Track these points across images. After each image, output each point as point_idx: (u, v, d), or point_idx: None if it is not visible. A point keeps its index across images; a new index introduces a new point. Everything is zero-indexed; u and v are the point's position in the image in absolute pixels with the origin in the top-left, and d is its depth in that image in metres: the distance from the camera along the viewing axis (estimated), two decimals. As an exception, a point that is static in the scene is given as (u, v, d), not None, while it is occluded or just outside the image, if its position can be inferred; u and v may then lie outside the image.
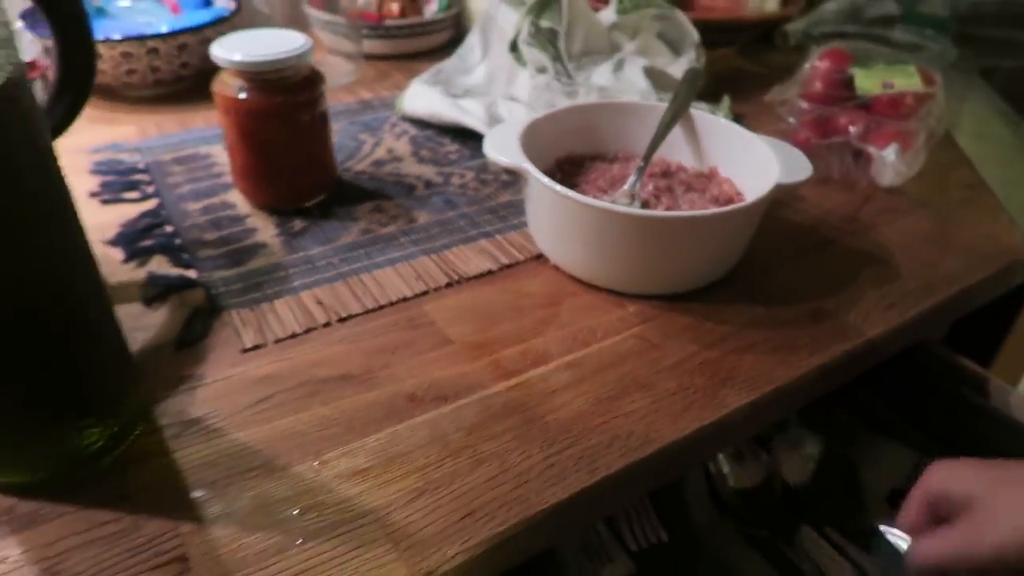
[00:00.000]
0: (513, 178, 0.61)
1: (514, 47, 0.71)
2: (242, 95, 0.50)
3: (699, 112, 0.56)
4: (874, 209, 0.58)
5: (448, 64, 0.77)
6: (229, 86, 0.51)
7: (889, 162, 0.59)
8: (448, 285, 0.48)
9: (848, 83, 0.63)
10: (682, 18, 0.75)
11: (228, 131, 0.52)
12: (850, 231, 0.56)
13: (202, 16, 0.74)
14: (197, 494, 0.33)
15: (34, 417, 0.31)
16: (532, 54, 0.70)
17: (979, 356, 0.59)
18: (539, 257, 0.51)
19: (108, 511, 0.33)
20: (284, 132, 0.52)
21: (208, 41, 0.71)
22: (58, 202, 0.30)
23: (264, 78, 0.50)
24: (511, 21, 0.74)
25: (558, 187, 0.45)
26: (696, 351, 0.43)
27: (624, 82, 0.69)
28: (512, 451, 0.36)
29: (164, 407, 0.38)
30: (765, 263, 0.51)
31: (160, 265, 0.49)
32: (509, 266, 0.50)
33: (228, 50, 0.49)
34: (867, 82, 0.62)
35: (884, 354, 0.47)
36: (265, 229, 0.53)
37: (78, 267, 0.31)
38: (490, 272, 0.49)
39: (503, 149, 0.48)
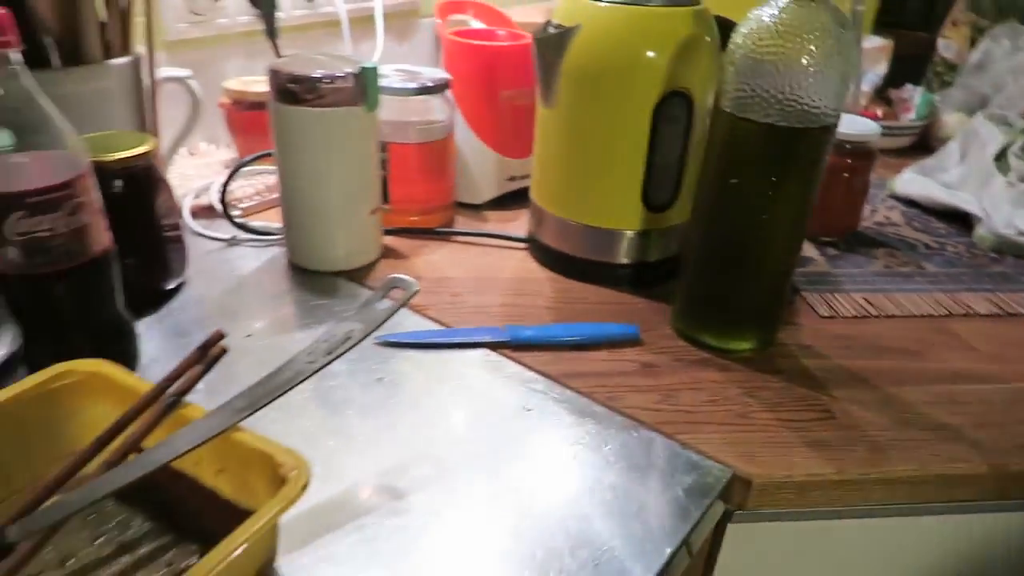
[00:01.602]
0: (1001, 256, 0.75)
1: (1000, 157, 0.86)
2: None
3: None
4: None
5: (928, 162, 0.93)
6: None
7: None
8: (964, 315, 0.63)
9: None
10: None
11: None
12: None
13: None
14: (826, 383, 0.53)
15: (773, 316, 0.55)
16: (1019, 165, 0.83)
17: None
18: (1039, 315, 0.64)
19: (769, 377, 0.54)
20: (846, 183, 0.73)
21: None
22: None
23: (849, 145, 0.71)
24: (994, 136, 0.88)
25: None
26: None
27: (1105, 201, 0.79)
28: (1045, 423, 0.51)
29: (784, 335, 0.59)
30: None
31: (742, 255, 0.71)
32: (1013, 315, 0.64)
33: (823, 123, 0.71)
34: None
35: None
36: (807, 250, 0.73)
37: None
38: (998, 315, 0.64)
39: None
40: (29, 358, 0.47)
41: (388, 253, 0.68)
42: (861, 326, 0.61)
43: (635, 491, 0.43)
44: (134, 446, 0.37)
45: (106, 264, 0.46)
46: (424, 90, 0.67)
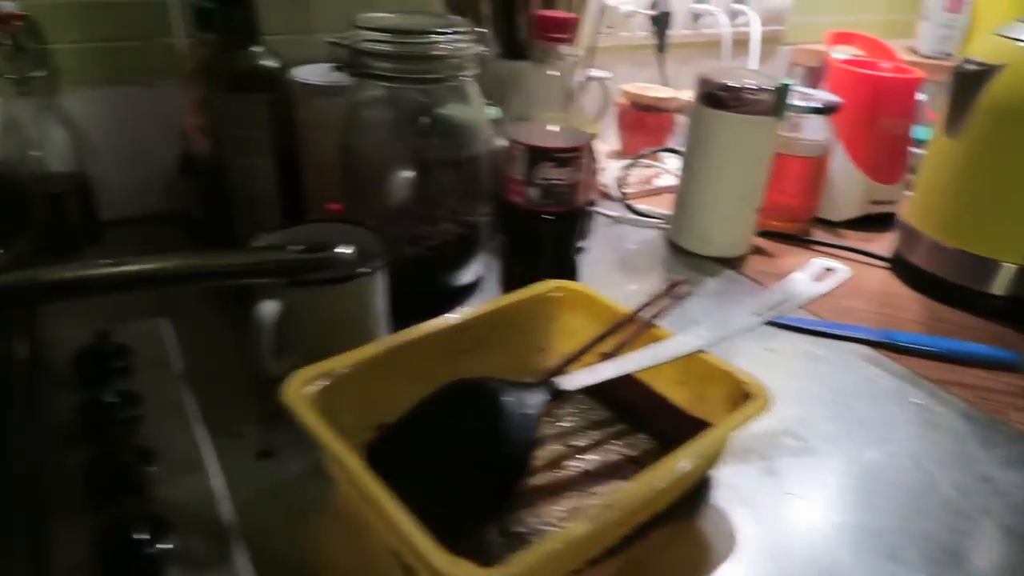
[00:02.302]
0: None
1: None
2: None
3: None
4: None
5: None
6: None
7: None
8: None
9: None
10: None
11: None
12: None
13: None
14: None
15: None
16: None
17: None
18: None
19: None
20: None
21: None
22: None
23: None
24: None
25: None
26: None
27: None
28: None
29: None
30: None
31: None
32: None
33: None
34: None
35: None
36: None
37: None
38: None
39: None
40: (506, 274, 0.61)
41: (755, 250, 0.76)
42: None
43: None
44: (616, 351, 0.48)
45: (582, 215, 0.59)
46: (817, 110, 0.74)
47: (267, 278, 0.42)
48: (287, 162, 0.57)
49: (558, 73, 0.54)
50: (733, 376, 0.44)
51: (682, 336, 0.47)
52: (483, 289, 0.65)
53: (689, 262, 0.73)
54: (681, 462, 0.37)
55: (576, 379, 0.43)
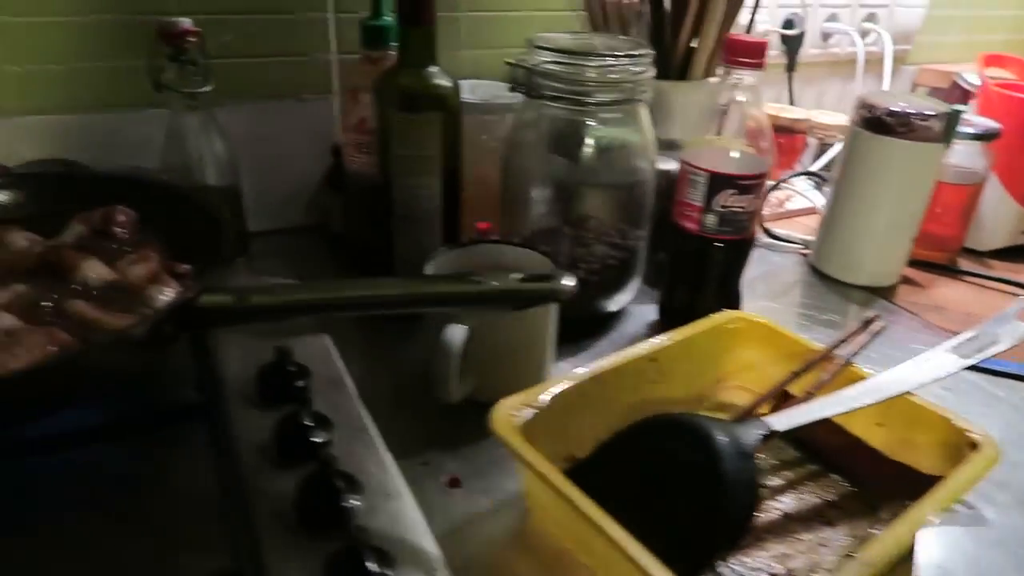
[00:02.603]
0: None
1: None
2: None
3: None
4: None
5: None
6: None
7: None
8: None
9: None
10: None
11: None
12: None
13: None
14: None
15: None
16: None
17: None
18: None
19: None
20: None
21: None
22: None
23: None
24: None
25: None
26: None
27: None
28: None
29: None
30: None
31: None
32: None
33: None
34: None
35: None
36: None
37: None
38: None
39: None
40: (667, 301, 0.60)
41: (902, 279, 0.73)
42: None
43: None
44: (816, 390, 0.46)
45: (751, 244, 0.57)
46: (977, 136, 0.71)
47: (490, 307, 0.42)
48: (451, 181, 0.57)
49: (744, 98, 0.52)
50: (951, 423, 0.42)
51: (883, 376, 0.45)
52: (631, 315, 0.63)
53: (834, 289, 0.70)
54: (929, 515, 0.35)
55: (787, 418, 0.41)
